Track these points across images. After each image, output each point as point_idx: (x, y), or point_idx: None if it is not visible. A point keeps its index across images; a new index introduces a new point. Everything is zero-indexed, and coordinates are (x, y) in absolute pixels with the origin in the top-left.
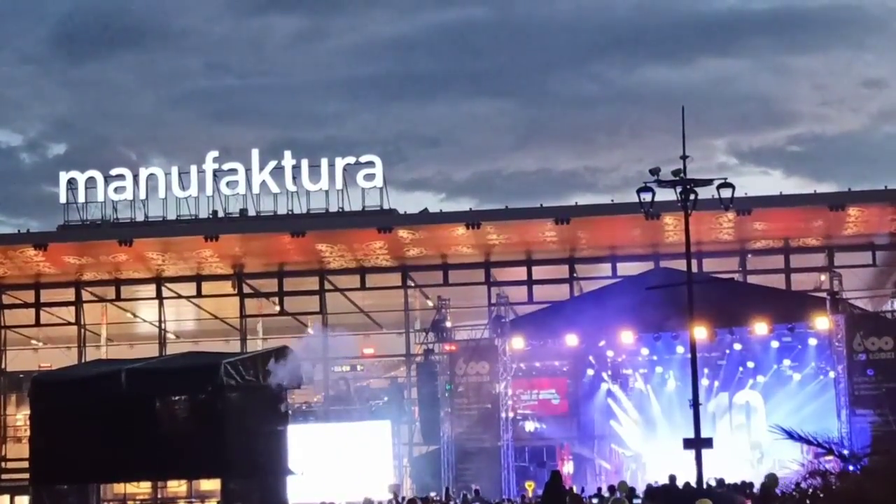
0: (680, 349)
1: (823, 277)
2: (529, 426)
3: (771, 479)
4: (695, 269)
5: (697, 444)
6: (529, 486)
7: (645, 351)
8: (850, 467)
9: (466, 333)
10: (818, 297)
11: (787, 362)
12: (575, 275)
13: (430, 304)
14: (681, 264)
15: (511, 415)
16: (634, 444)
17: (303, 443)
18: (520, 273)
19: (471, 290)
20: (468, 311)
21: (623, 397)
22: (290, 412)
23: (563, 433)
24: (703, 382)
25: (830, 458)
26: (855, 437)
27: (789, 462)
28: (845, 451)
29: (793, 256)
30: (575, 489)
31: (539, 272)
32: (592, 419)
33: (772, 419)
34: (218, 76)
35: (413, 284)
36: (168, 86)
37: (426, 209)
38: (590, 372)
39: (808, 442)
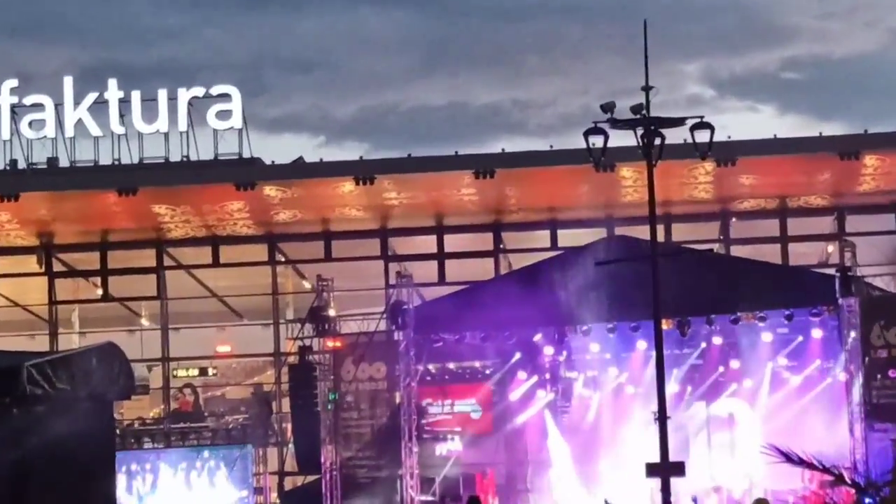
0: (641, 344)
1: (831, 248)
2: (441, 448)
3: None
4: (661, 237)
5: (665, 470)
6: None
7: (595, 347)
8: (867, 500)
9: (356, 325)
10: (824, 274)
11: (783, 361)
12: (502, 246)
13: (307, 285)
14: (642, 231)
15: (416, 434)
16: (581, 471)
17: (136, 472)
18: (428, 244)
19: (362, 268)
20: (358, 296)
21: (566, 409)
22: (118, 432)
23: (487, 457)
24: (672, 388)
25: (841, 487)
26: (873, 459)
27: (787, 493)
28: (860, 478)
29: (791, 221)
30: None
31: (453, 243)
32: (525, 439)
33: (763, 436)
34: None
35: (283, 259)
36: None
37: (301, 158)
38: (521, 376)
39: (812, 466)
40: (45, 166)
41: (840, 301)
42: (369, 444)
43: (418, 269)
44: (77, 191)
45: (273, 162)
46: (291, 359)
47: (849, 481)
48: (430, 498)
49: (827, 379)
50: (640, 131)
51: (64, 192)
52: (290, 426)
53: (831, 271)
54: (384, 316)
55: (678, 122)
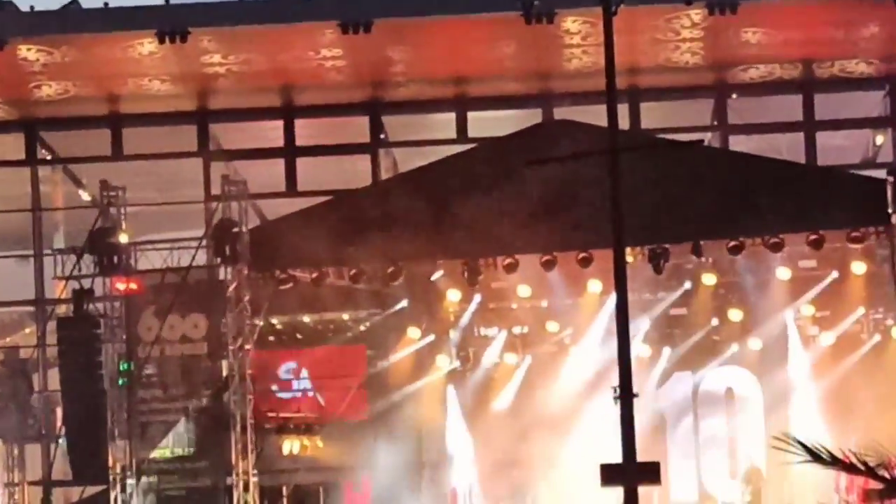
0: (594, 286)
1: (881, 139)
2: (291, 444)
3: None
4: (624, 123)
5: (630, 475)
6: None
7: (524, 290)
8: None
9: (161, 258)
10: (870, 177)
11: (808, 310)
12: (383, 137)
13: (86, 197)
14: (596, 115)
15: (253, 422)
16: (501, 477)
17: None
18: (270, 134)
19: (169, 170)
20: (165, 213)
21: (479, 383)
22: None
23: (360, 457)
24: (643, 352)
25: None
26: None
27: None
28: None
29: (820, 98)
30: None
31: (309, 131)
32: (418, 428)
33: (778, 423)
34: None
35: (49, 158)
36: None
37: (74, 2)
38: (413, 333)
39: (851, 468)
40: None
41: (894, 218)
42: (182, 438)
43: (256, 171)
44: None
45: (32, 8)
46: (62, 309)
47: None
48: None
49: (874, 337)
50: None
51: None
52: (60, 411)
53: (880, 173)
54: (204, 243)
55: None
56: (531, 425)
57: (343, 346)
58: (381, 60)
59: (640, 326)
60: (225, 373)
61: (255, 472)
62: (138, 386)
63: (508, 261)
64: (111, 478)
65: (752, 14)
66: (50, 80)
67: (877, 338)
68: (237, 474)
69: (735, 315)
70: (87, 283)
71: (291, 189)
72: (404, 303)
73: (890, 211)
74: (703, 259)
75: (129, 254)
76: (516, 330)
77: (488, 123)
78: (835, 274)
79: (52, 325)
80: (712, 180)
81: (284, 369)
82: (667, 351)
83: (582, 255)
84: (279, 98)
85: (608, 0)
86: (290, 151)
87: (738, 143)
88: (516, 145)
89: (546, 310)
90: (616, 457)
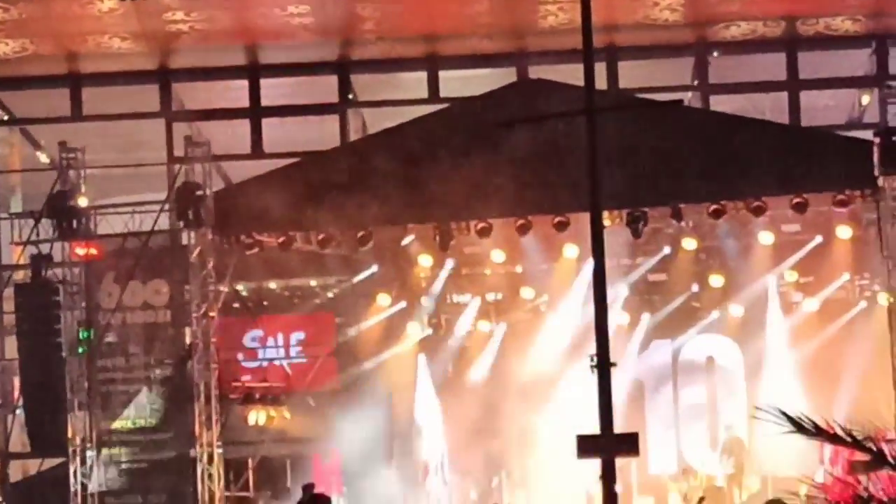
0: (570, 251)
1: (867, 99)
2: (257, 415)
3: None
4: (601, 82)
5: (607, 445)
6: None
7: (498, 255)
8: None
9: (122, 222)
10: (856, 138)
11: (791, 275)
12: (351, 97)
13: (44, 158)
14: (573, 73)
15: (217, 392)
16: (474, 449)
17: None
18: (235, 94)
19: (131, 131)
20: (127, 175)
21: (453, 353)
22: None
23: (328, 429)
24: (621, 319)
25: (881, 470)
26: None
27: (796, 480)
28: None
29: (804, 56)
30: None
31: (275, 91)
32: (389, 398)
33: (760, 393)
34: None
35: (6, 118)
36: None
37: None
38: (383, 300)
39: (836, 439)
40: None
41: (881, 181)
42: (144, 409)
43: (220, 132)
44: None
45: None
46: (19, 275)
47: (893, 461)
48: (240, 494)
49: (860, 304)
50: None
51: None
52: (17, 381)
53: (867, 134)
54: (166, 207)
55: None
56: (505, 395)
57: (311, 314)
58: (349, 17)
59: (617, 292)
60: (188, 341)
61: (220, 443)
62: (98, 354)
63: (482, 225)
64: (70, 450)
65: None
66: (6, 37)
67: (862, 304)
68: (201, 446)
69: (716, 281)
70: (45, 249)
71: (257, 151)
72: (374, 268)
73: (877, 173)
74: (683, 223)
75: (89, 218)
76: (490, 296)
77: (461, 83)
78: (819, 238)
79: (9, 292)
80: (693, 141)
81: (250, 337)
82: (645, 318)
83: (558, 218)
84: (244, 57)
85: None
86: (256, 112)
87: (719, 103)
88: (490, 105)
89: (521, 275)
90: (593, 427)
